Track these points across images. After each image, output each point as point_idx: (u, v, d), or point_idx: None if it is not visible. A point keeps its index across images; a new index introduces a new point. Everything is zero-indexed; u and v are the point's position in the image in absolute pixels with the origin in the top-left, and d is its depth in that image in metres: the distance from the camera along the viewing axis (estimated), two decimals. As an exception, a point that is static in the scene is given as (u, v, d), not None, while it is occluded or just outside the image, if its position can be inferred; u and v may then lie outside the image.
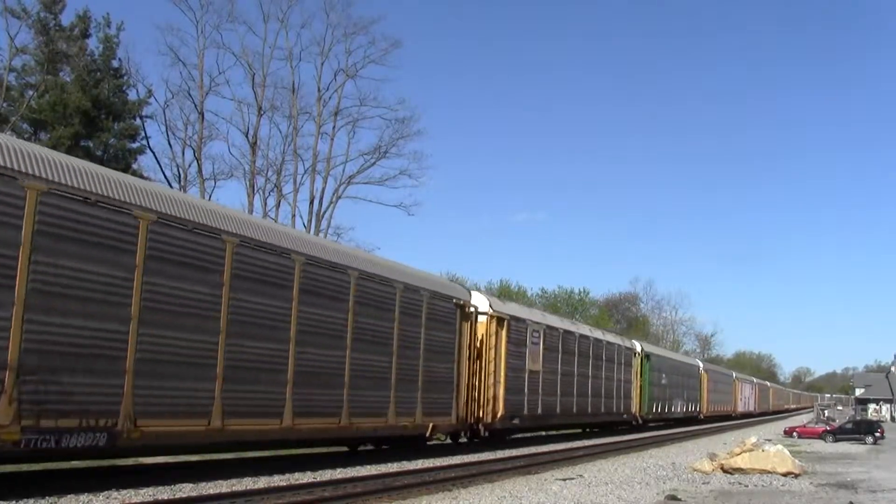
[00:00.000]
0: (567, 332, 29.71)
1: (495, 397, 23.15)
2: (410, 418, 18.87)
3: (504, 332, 23.69)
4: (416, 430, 19.27)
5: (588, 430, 35.88)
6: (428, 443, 21.26)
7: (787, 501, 14.52)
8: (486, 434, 23.34)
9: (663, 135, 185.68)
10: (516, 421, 24.53)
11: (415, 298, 19.16)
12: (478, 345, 22.52)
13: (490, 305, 23.33)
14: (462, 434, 22.95)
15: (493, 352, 23.11)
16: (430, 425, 19.58)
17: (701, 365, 56.93)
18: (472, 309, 22.05)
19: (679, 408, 47.41)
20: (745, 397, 74.81)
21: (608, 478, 16.80)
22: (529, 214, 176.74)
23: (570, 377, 29.35)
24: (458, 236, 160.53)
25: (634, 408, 38.18)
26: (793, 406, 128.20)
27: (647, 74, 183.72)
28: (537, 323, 26.62)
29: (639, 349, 39.69)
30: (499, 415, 23.21)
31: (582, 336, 31.31)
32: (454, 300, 21.09)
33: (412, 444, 20.28)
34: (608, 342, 34.83)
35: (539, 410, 26.19)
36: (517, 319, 24.86)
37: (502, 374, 23.46)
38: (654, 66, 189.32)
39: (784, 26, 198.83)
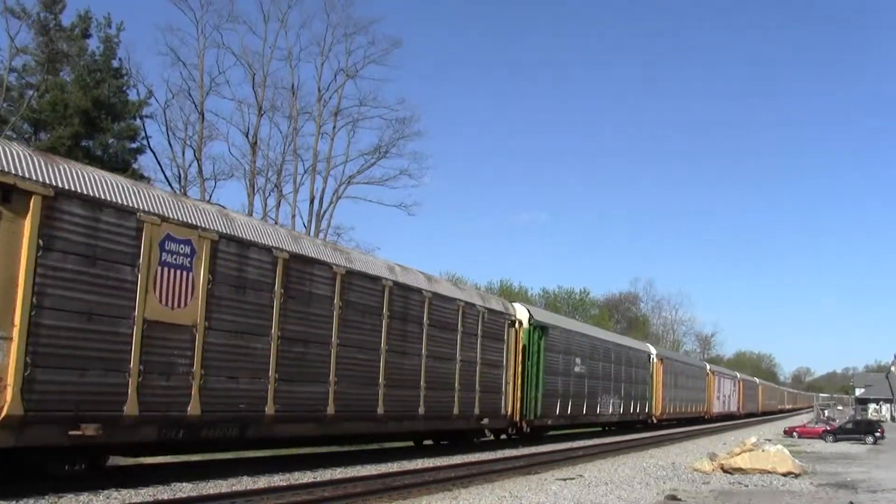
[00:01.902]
0: (306, 260, 15.45)
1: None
2: None
3: (27, 226, 10.56)
4: None
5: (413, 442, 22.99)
6: None
7: (788, 501, 14.53)
8: None
9: (664, 135, 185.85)
10: (93, 432, 11.21)
11: None
12: None
13: None
14: None
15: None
16: None
17: (653, 351, 43.40)
18: None
19: (610, 408, 34.16)
20: (724, 396, 62.94)
21: (608, 478, 16.80)
22: (532, 215, 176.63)
23: (320, 346, 15.73)
24: (459, 236, 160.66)
25: (508, 407, 23.86)
26: (788, 406, 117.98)
27: (647, 74, 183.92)
28: (183, 225, 12.76)
29: (522, 316, 25.31)
30: None
31: (360, 276, 17.10)
32: None
33: None
34: (437, 296, 20.12)
35: (194, 409, 12.72)
36: (86, 203, 11.37)
37: (15, 318, 10.37)
38: (654, 65, 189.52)
39: (785, 26, 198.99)
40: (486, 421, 22.90)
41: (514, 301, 28.24)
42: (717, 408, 58.88)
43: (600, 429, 37.19)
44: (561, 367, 28.51)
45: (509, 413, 24.14)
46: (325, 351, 15.91)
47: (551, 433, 30.31)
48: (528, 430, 25.77)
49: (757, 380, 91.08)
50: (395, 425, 19.01)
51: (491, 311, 23.42)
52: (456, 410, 21.02)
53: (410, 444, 22.80)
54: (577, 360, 30.39)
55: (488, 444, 24.14)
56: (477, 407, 22.16)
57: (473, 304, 22.34)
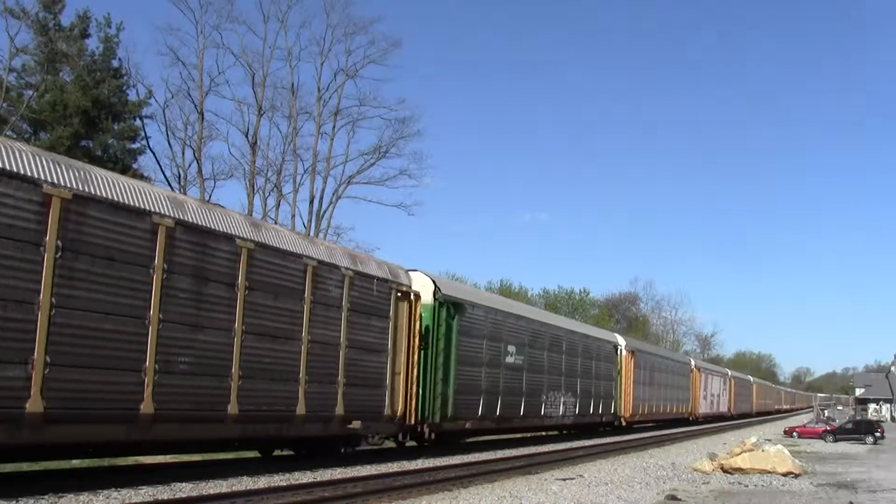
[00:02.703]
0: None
1: None
2: None
3: None
4: None
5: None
6: None
7: (787, 501, 14.53)
8: None
9: (664, 134, 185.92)
10: None
11: None
12: None
13: None
14: None
15: None
16: None
17: (621, 342, 37.12)
18: None
19: (561, 408, 28.27)
20: (713, 395, 57.32)
21: (608, 478, 16.81)
22: (532, 215, 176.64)
23: (13, 306, 10.33)
24: (459, 236, 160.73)
25: (398, 406, 18.25)
26: (785, 407, 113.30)
27: (648, 74, 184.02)
28: None
29: (422, 288, 19.58)
30: None
31: (103, 206, 11.64)
32: None
33: None
34: (265, 249, 14.62)
35: None
36: None
37: None
38: (655, 65, 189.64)
39: (785, 25, 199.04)
40: (357, 424, 16.68)
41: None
42: (703, 408, 53.60)
43: (556, 433, 32.11)
44: (485, 357, 22.48)
45: (399, 413, 18.29)
46: (25, 315, 10.38)
47: (468, 437, 24.40)
48: (433, 435, 20.00)
49: (751, 378, 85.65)
50: (177, 429, 12.83)
51: (365, 276, 17.30)
52: (301, 410, 15.11)
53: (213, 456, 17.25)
54: (511, 349, 24.13)
55: (364, 457, 18.01)
56: (341, 405, 16.26)
57: (335, 266, 16.30)
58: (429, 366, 19.80)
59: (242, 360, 13.86)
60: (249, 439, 15.48)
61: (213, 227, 13.54)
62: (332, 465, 16.13)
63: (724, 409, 61.87)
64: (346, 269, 16.71)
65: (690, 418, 49.96)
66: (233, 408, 13.64)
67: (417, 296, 19.20)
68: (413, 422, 18.91)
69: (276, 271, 14.81)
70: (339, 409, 16.30)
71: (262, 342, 14.40)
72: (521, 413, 24.96)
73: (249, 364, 14.01)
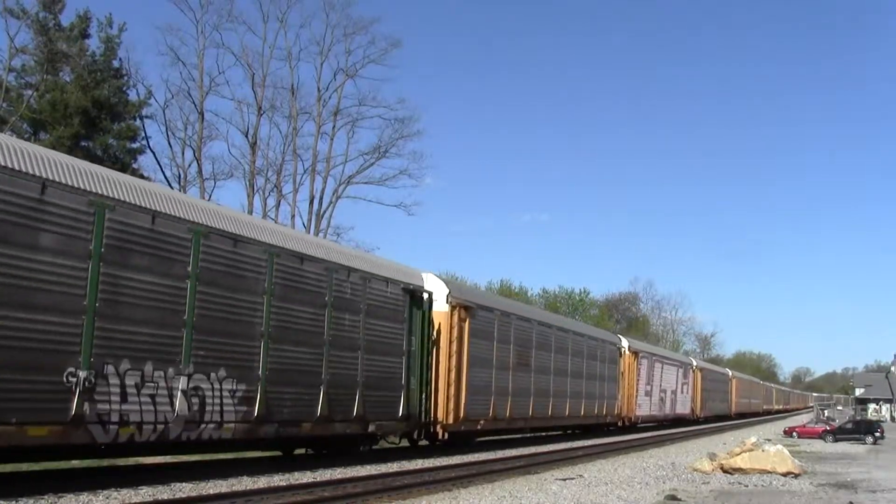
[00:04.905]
0: None
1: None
2: None
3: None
4: None
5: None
6: None
7: (787, 501, 14.53)
8: None
9: (663, 134, 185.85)
10: None
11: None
12: None
13: None
14: None
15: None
16: None
17: (439, 290, 20.88)
18: None
19: (172, 407, 12.33)
20: (664, 390, 42.84)
21: (608, 478, 16.81)
22: (532, 215, 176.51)
23: None
24: (459, 236, 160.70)
25: None
26: (777, 407, 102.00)
27: (647, 74, 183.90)
28: None
29: None
30: None
31: None
32: None
33: None
34: None
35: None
36: None
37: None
38: (654, 65, 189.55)
39: (784, 25, 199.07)
40: None
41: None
42: (645, 408, 39.36)
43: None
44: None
45: None
46: None
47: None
48: None
49: (729, 371, 70.01)
50: None
51: None
52: None
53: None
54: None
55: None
56: None
57: None
58: None
59: None
60: None
61: None
62: (331, 465, 16.15)
63: (684, 409, 48.03)
64: None
65: (620, 423, 36.62)
66: None
67: None
68: None
69: None
70: None
71: None
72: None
73: None
